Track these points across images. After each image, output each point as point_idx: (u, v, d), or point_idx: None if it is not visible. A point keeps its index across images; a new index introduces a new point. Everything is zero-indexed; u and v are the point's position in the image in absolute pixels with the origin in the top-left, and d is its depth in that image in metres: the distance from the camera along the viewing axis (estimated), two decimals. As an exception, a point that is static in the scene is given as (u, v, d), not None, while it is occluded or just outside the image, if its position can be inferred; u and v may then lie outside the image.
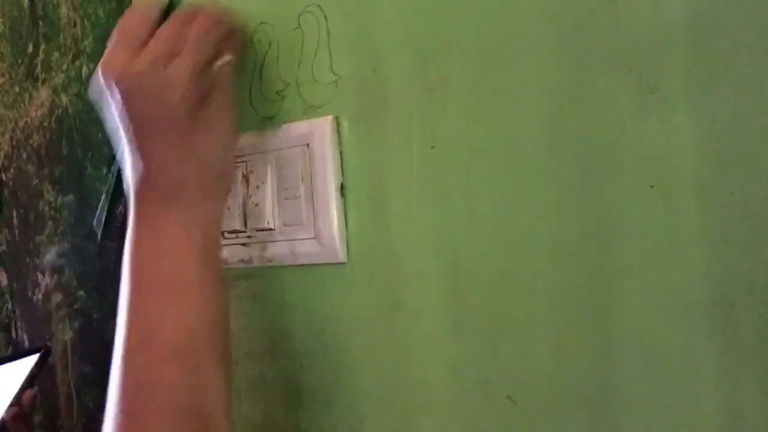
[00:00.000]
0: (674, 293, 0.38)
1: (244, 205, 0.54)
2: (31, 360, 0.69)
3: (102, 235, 0.48)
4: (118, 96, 0.47)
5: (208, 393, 0.45)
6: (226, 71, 0.50)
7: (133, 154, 0.48)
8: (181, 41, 0.48)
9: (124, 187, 0.50)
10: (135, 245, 0.48)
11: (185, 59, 0.48)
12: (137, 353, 0.45)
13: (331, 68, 0.50)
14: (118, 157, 0.51)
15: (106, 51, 0.49)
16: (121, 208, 0.69)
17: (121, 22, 0.49)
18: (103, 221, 0.49)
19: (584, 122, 0.40)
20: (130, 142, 0.48)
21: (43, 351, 0.69)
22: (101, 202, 0.50)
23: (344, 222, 0.50)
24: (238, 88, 0.56)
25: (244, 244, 0.55)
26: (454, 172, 0.45)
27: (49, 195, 0.77)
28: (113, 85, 0.47)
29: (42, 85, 0.76)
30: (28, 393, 0.68)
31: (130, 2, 0.64)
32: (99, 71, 0.48)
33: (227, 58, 0.50)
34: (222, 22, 0.50)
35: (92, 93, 0.50)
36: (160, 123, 0.48)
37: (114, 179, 0.50)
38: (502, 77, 0.43)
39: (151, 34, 0.48)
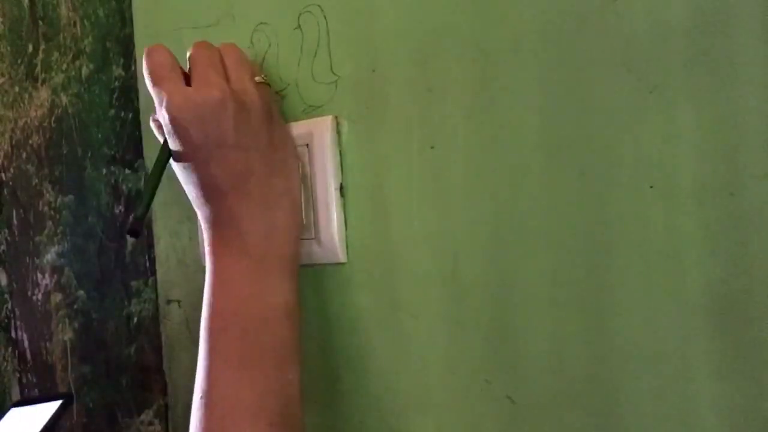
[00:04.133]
0: (674, 293, 0.38)
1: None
2: (52, 406, 0.67)
3: (143, 209, 0.46)
4: (205, 123, 0.46)
5: None
6: (267, 91, 0.51)
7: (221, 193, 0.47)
8: (218, 60, 0.48)
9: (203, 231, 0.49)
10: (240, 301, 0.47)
11: (241, 73, 0.48)
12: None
13: (331, 68, 0.50)
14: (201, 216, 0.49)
15: (162, 92, 0.47)
16: (120, 208, 0.69)
17: (150, 63, 0.48)
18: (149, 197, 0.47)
19: (584, 122, 0.40)
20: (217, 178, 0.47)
21: (65, 399, 0.68)
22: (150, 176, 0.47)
23: (344, 222, 0.50)
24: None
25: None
26: (453, 173, 0.45)
27: (49, 195, 0.77)
28: (192, 116, 0.46)
29: (42, 85, 0.76)
30: None
31: (130, 5, 0.64)
32: (169, 113, 0.46)
33: (263, 77, 0.51)
34: (240, 50, 0.51)
35: (169, 137, 0.47)
36: (246, 134, 0.47)
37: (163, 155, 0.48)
38: (502, 77, 0.43)
39: (180, 68, 0.48)
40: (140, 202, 0.47)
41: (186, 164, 0.47)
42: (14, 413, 0.70)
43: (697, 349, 0.37)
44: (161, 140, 0.49)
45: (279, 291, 0.47)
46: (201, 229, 0.50)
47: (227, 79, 0.48)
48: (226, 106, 0.46)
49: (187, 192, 0.49)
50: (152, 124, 0.51)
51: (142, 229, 0.47)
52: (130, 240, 0.68)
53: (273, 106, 0.50)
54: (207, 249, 0.48)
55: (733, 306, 0.36)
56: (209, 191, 0.47)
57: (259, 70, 0.52)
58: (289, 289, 0.48)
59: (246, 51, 0.54)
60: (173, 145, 0.47)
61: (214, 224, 0.48)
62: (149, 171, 0.49)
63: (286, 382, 0.46)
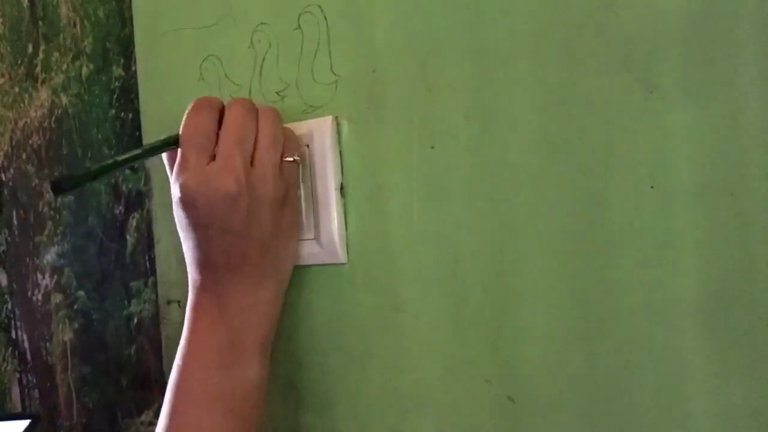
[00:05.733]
0: (673, 293, 0.38)
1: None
2: (20, 426, 0.67)
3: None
4: (215, 208, 0.46)
5: None
6: (294, 170, 0.50)
7: (215, 254, 0.48)
8: (251, 137, 0.48)
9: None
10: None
11: (268, 157, 0.48)
12: None
13: (331, 68, 0.50)
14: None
15: (185, 163, 0.47)
16: (120, 208, 0.69)
17: (190, 124, 0.48)
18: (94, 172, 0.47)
19: (583, 122, 0.40)
20: (216, 247, 0.48)
21: (31, 420, 0.67)
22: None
23: (344, 222, 0.50)
24: (238, 90, 0.56)
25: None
26: (453, 172, 0.45)
27: (49, 195, 0.77)
28: (203, 199, 0.46)
29: (42, 85, 0.76)
30: None
31: (130, 5, 0.64)
32: (182, 190, 0.47)
33: (294, 156, 0.50)
34: (280, 120, 0.50)
35: (177, 210, 0.48)
36: (254, 225, 0.47)
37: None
38: (502, 77, 0.43)
39: (216, 132, 0.48)
40: (89, 169, 0.47)
41: (186, 234, 0.49)
42: None
43: (696, 349, 0.37)
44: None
45: (248, 366, 0.48)
46: None
47: (252, 159, 0.48)
48: (238, 199, 0.46)
49: (184, 251, 0.50)
50: (165, 158, 0.51)
51: (67, 189, 0.47)
52: (129, 240, 0.68)
53: (291, 191, 0.50)
54: (187, 311, 0.50)
55: (733, 306, 0.36)
56: (203, 263, 0.49)
57: (295, 144, 0.50)
58: (259, 366, 0.49)
59: (246, 51, 0.55)
60: (177, 215, 0.48)
61: (200, 290, 0.49)
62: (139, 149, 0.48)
63: None
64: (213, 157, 0.47)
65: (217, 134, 0.48)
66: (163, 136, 0.50)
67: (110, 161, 0.48)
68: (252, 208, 0.47)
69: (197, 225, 0.47)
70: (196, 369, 0.48)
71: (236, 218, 0.46)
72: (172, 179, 0.48)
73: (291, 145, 0.50)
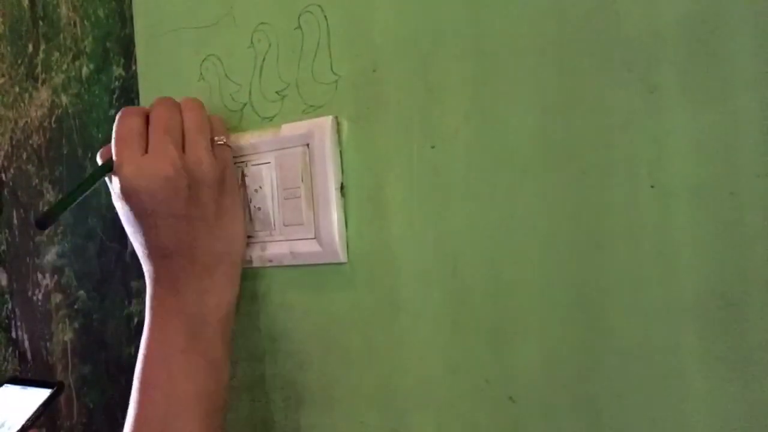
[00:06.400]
0: (673, 293, 0.38)
1: (244, 205, 0.54)
2: (43, 393, 0.69)
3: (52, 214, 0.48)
4: (156, 194, 0.48)
5: None
6: (227, 153, 0.52)
7: (160, 244, 0.49)
8: (178, 127, 0.50)
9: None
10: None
11: (198, 140, 0.50)
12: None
13: (331, 68, 0.50)
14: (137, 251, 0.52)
15: (119, 158, 0.49)
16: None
17: (120, 127, 0.50)
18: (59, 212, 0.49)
19: (583, 122, 0.40)
20: (163, 232, 0.49)
21: (56, 388, 0.69)
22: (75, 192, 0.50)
23: (344, 222, 0.50)
24: (238, 92, 0.56)
25: (244, 244, 0.55)
26: (453, 172, 0.45)
27: (49, 195, 0.77)
28: (144, 187, 0.48)
29: (42, 85, 0.76)
30: None
31: (130, 5, 0.64)
32: (122, 180, 0.48)
33: (223, 139, 0.52)
34: (203, 107, 0.52)
35: (121, 205, 0.50)
36: (196, 206, 0.49)
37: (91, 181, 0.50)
38: (502, 77, 0.43)
39: (146, 130, 0.50)
40: (63, 200, 0.49)
41: (133, 227, 0.50)
42: (6, 390, 0.71)
43: (695, 349, 0.37)
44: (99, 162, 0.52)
45: (210, 347, 0.50)
46: None
47: (183, 146, 0.50)
48: (177, 181, 0.48)
49: (134, 246, 0.52)
50: (98, 156, 0.53)
51: (50, 222, 0.49)
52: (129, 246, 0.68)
53: (227, 171, 0.52)
54: (147, 303, 0.51)
55: (732, 305, 0.36)
56: (154, 252, 0.50)
57: (222, 129, 0.53)
58: (221, 346, 0.50)
59: (246, 51, 0.55)
60: (121, 209, 0.50)
61: (155, 281, 0.51)
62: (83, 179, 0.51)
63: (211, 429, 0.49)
64: (146, 151, 0.49)
65: (147, 133, 0.50)
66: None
67: (70, 193, 0.50)
68: (192, 190, 0.48)
69: (141, 214, 0.49)
70: (159, 354, 0.49)
71: (178, 201, 0.48)
72: (114, 176, 0.50)
73: (218, 129, 0.52)
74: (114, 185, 0.49)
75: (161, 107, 0.51)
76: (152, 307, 0.50)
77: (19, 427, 0.66)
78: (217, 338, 0.50)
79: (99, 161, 0.53)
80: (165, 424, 0.47)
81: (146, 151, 0.49)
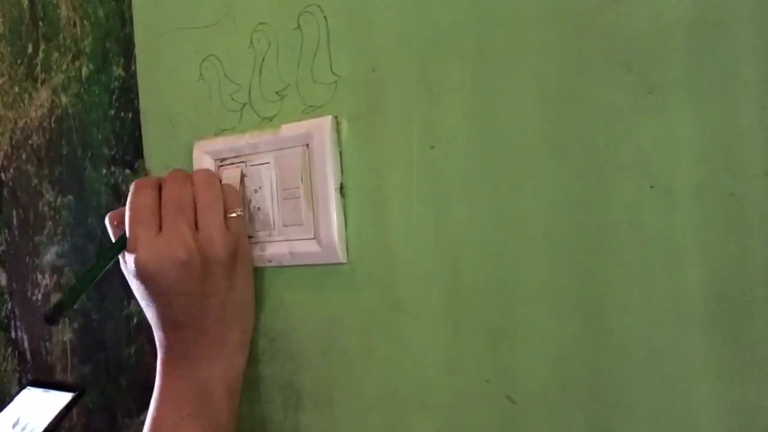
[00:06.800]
0: (673, 293, 0.38)
1: (244, 206, 0.54)
2: (64, 397, 0.69)
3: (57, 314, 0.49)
4: (169, 276, 0.48)
5: None
6: (240, 224, 0.52)
7: (174, 319, 0.50)
8: (190, 204, 0.50)
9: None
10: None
11: (211, 218, 0.50)
12: None
13: (331, 68, 0.50)
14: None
15: (134, 238, 0.49)
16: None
17: (133, 204, 0.50)
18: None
19: (583, 122, 0.40)
20: (176, 310, 0.50)
21: (78, 392, 0.69)
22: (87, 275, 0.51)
23: (344, 222, 0.50)
24: (238, 92, 0.56)
25: (243, 244, 0.55)
26: (453, 173, 0.45)
27: (49, 195, 0.77)
28: (158, 269, 0.48)
29: (42, 85, 0.76)
30: None
31: (130, 5, 0.64)
32: (137, 262, 0.48)
33: (237, 212, 0.52)
34: (216, 180, 0.52)
35: (134, 283, 0.50)
36: (209, 283, 0.50)
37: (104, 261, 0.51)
38: (502, 77, 0.43)
39: (158, 208, 0.50)
40: (73, 289, 0.50)
41: (146, 302, 0.51)
42: (27, 394, 0.71)
43: (696, 349, 0.37)
44: (112, 236, 0.53)
45: (218, 413, 0.50)
46: None
47: (196, 222, 0.50)
48: (191, 263, 0.48)
49: (145, 313, 0.52)
50: (107, 221, 0.53)
51: (61, 317, 0.50)
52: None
53: (240, 242, 0.52)
54: (158, 367, 0.52)
55: (733, 305, 0.36)
56: (166, 324, 0.51)
57: (236, 200, 0.53)
58: (228, 411, 0.51)
59: (246, 51, 0.55)
60: (134, 285, 0.50)
61: (167, 349, 0.51)
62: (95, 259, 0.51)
63: None
64: (160, 230, 0.49)
65: (160, 209, 0.50)
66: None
67: (80, 279, 0.51)
68: (205, 269, 0.49)
69: (155, 292, 0.49)
70: (168, 418, 0.50)
71: (191, 281, 0.49)
72: (128, 256, 0.50)
73: (232, 201, 0.52)
74: (128, 264, 0.50)
75: (173, 183, 0.51)
76: (163, 372, 0.51)
77: (41, 430, 0.65)
78: (224, 402, 0.51)
79: (108, 228, 0.53)
80: None
81: (160, 229, 0.49)
